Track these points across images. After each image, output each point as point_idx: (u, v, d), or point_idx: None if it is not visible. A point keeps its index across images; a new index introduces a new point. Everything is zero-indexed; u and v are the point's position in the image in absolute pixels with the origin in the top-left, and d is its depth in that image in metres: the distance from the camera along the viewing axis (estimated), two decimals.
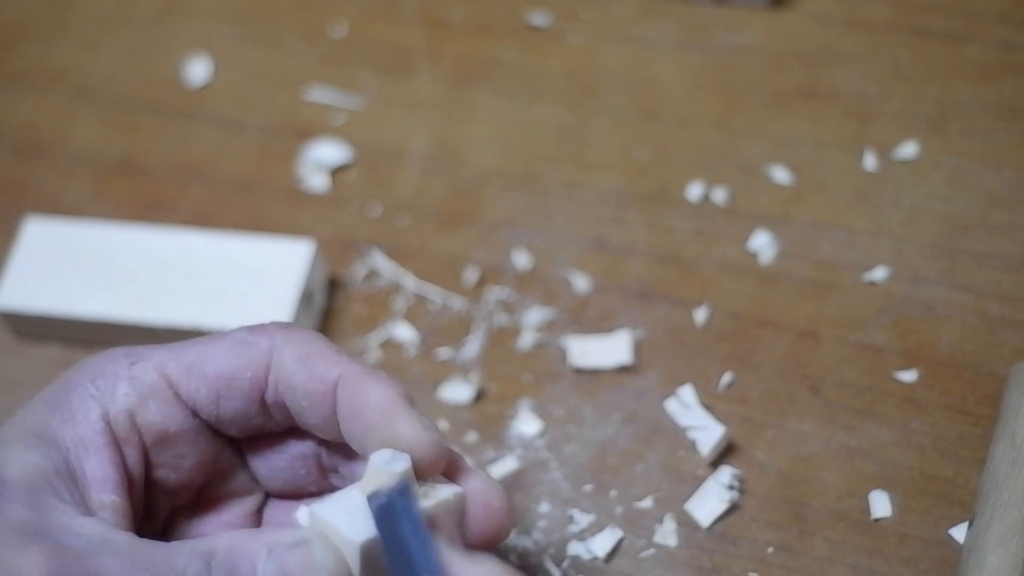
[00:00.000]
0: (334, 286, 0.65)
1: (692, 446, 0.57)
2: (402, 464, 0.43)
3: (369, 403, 0.45)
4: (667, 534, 0.55)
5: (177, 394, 0.47)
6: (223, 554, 0.44)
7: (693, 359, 0.60)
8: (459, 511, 0.44)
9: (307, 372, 0.46)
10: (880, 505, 0.54)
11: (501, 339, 0.62)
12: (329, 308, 0.64)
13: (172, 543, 0.44)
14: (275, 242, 0.63)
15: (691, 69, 0.69)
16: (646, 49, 0.70)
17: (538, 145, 0.68)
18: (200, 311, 0.61)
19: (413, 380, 0.61)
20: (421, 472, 0.44)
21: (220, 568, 0.44)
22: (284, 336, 0.47)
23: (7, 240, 0.68)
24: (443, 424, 0.59)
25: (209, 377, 0.47)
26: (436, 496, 0.44)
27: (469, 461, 0.58)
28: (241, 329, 0.48)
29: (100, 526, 0.44)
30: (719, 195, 0.64)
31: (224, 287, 0.62)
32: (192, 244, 0.63)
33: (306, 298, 0.61)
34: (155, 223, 0.67)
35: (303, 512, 0.44)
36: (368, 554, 0.42)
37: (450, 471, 0.46)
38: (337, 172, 0.69)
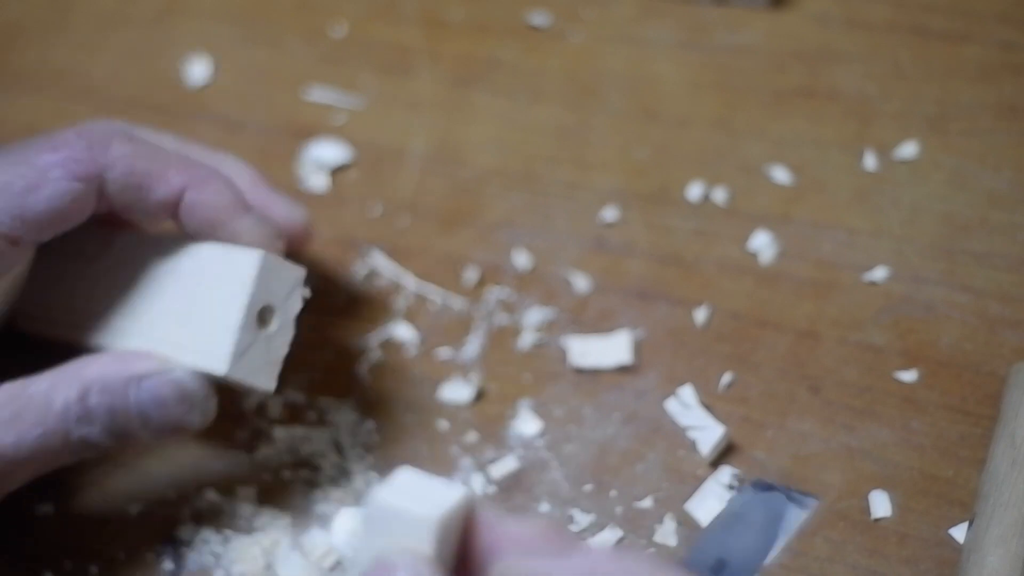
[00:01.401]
0: (328, 292, 0.65)
1: (692, 446, 0.57)
2: None
3: (211, 208, 0.53)
4: (667, 534, 0.55)
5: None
6: (96, 392, 0.50)
7: (693, 359, 0.60)
8: (465, 516, 0.43)
9: (143, 200, 0.52)
10: (880, 505, 0.54)
11: (501, 339, 0.62)
12: (321, 323, 0.64)
13: (47, 378, 0.51)
14: (222, 251, 0.54)
15: (691, 69, 0.69)
16: (646, 49, 0.70)
17: (538, 145, 0.68)
18: (134, 332, 0.55)
19: (413, 380, 0.61)
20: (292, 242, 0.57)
21: (98, 408, 0.50)
22: (107, 161, 0.52)
23: None
24: (443, 424, 0.59)
25: (43, 225, 0.52)
26: (444, 503, 0.42)
27: (468, 461, 0.58)
28: (53, 157, 0.52)
29: None
30: (719, 195, 0.64)
31: (163, 305, 0.54)
32: (134, 251, 0.56)
33: (261, 318, 0.53)
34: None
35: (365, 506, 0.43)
36: (444, 529, 0.42)
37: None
38: (337, 172, 0.69)
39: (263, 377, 0.53)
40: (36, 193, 0.51)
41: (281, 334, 0.53)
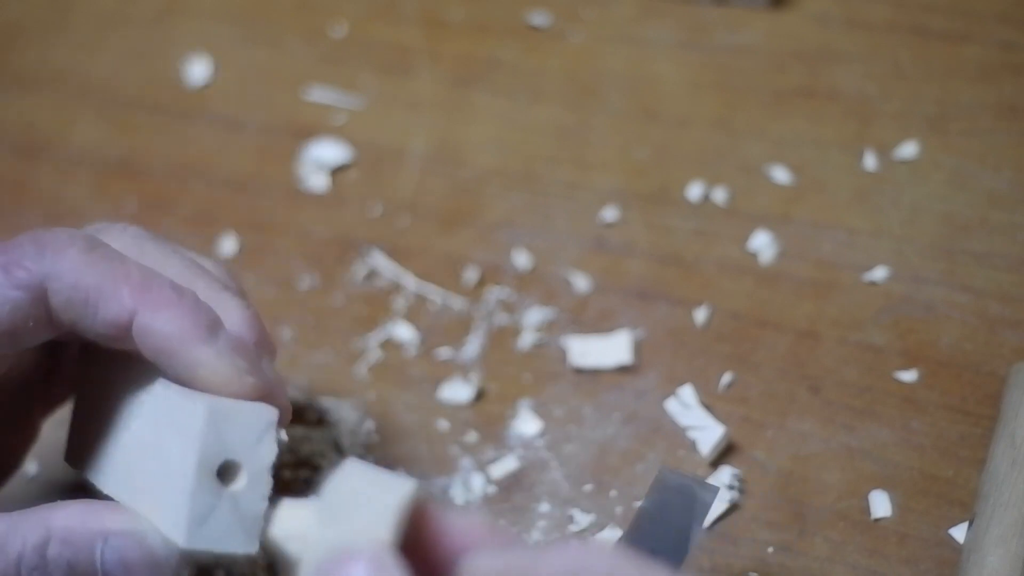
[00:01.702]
0: (327, 292, 0.65)
1: (692, 446, 0.57)
2: None
3: (162, 336, 0.44)
4: None
5: None
6: (58, 542, 0.43)
7: (693, 359, 0.60)
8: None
9: (91, 318, 0.45)
10: (880, 505, 0.54)
11: (501, 339, 0.62)
12: (321, 323, 0.64)
13: (8, 519, 0.44)
14: (171, 394, 0.45)
15: (691, 69, 0.69)
16: (646, 49, 0.70)
17: (538, 145, 0.68)
18: (103, 469, 0.48)
19: (413, 380, 0.61)
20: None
21: (58, 561, 0.43)
22: (52, 273, 0.45)
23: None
24: (443, 424, 0.59)
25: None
26: (400, 490, 0.41)
27: (468, 461, 0.58)
28: (11, 253, 0.45)
29: None
30: (719, 195, 0.64)
31: (128, 446, 0.47)
32: (119, 370, 0.49)
33: (221, 475, 0.44)
34: (155, 223, 0.67)
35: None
36: (402, 516, 0.40)
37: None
38: (337, 172, 0.69)
39: (237, 540, 0.44)
40: None
41: (253, 488, 0.44)
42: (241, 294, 0.49)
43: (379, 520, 0.40)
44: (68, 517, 0.44)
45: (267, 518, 0.44)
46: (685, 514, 0.43)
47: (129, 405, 0.47)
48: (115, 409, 0.47)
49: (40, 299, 0.45)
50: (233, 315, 0.47)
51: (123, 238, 0.48)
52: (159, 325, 0.44)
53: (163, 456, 0.44)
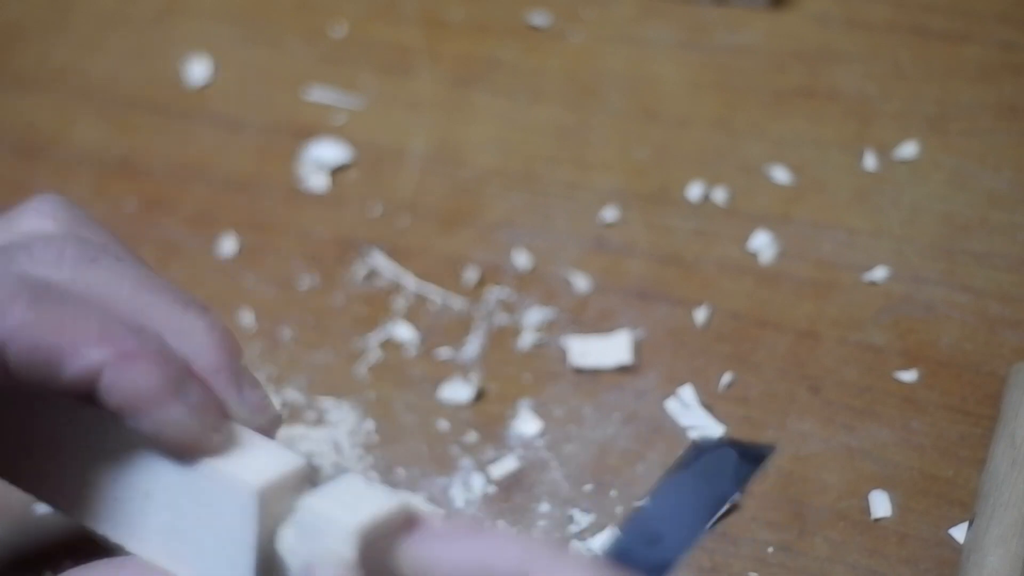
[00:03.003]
0: (327, 292, 0.65)
1: None
2: None
3: (130, 394, 0.40)
4: None
5: None
6: None
7: (693, 359, 0.60)
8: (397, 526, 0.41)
9: (52, 375, 0.41)
10: (880, 505, 0.54)
11: (501, 339, 0.62)
12: (320, 322, 0.64)
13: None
14: (214, 481, 0.42)
15: (691, 69, 0.69)
16: (646, 49, 0.70)
17: (538, 145, 0.68)
18: (142, 536, 0.44)
19: (413, 380, 0.61)
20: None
21: None
22: (11, 322, 0.41)
23: None
24: (443, 424, 0.59)
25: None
26: (372, 510, 0.41)
27: (469, 461, 0.58)
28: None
29: None
30: (719, 195, 0.64)
31: (172, 515, 0.44)
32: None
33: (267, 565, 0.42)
34: (155, 223, 0.67)
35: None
36: (366, 537, 0.40)
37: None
38: (337, 172, 0.69)
39: None
40: None
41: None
42: (196, 302, 0.45)
43: (342, 539, 0.40)
44: None
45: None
46: (713, 487, 0.42)
47: (160, 467, 0.43)
48: (88, 453, 0.44)
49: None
50: (199, 338, 0.43)
51: (58, 246, 0.43)
52: (125, 383, 0.41)
53: (215, 540, 0.42)
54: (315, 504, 0.42)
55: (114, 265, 0.44)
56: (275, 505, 0.41)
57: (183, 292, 0.45)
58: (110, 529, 0.45)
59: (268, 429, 0.44)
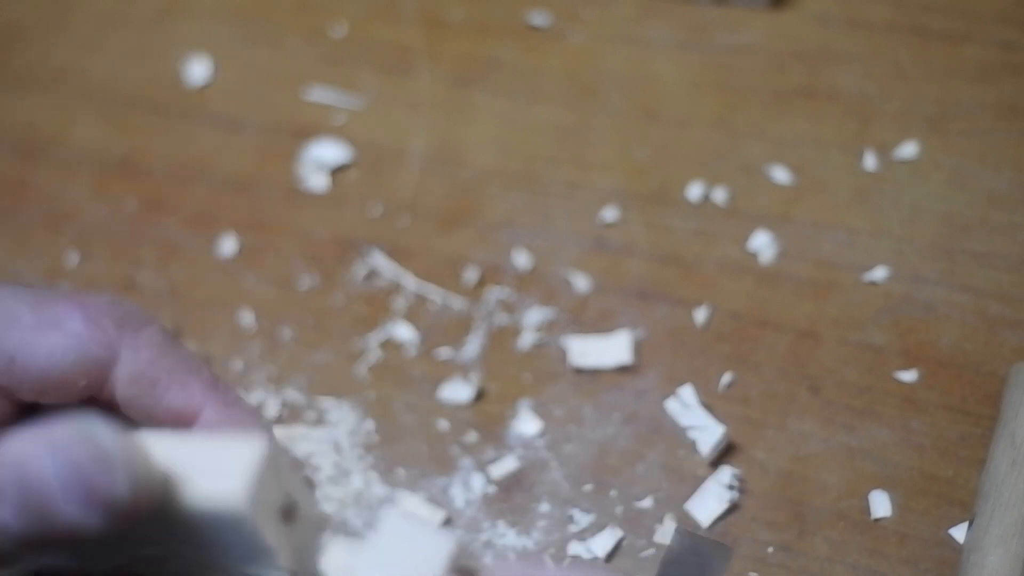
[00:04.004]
0: (327, 292, 0.65)
1: (692, 446, 0.57)
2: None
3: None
4: (667, 534, 0.55)
5: None
6: (8, 467, 0.40)
7: (693, 359, 0.60)
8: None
9: (154, 400, 0.43)
10: (880, 505, 0.54)
11: (501, 339, 0.62)
12: (320, 322, 0.64)
13: None
14: (213, 443, 0.42)
15: (691, 69, 0.69)
16: (646, 49, 0.70)
17: (538, 145, 0.68)
18: None
19: (413, 380, 0.61)
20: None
21: (9, 485, 0.39)
22: (129, 343, 0.43)
23: (8, 242, 0.68)
24: (443, 424, 0.59)
25: (32, 375, 0.43)
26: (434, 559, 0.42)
27: (468, 461, 0.58)
28: (70, 309, 0.43)
29: None
30: (719, 195, 0.64)
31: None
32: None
33: (283, 514, 0.42)
34: (155, 223, 0.67)
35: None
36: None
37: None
38: (337, 172, 0.69)
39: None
40: (43, 336, 0.43)
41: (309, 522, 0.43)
42: (249, 408, 0.46)
43: (426, 573, 0.41)
44: (15, 439, 0.41)
45: (317, 547, 0.43)
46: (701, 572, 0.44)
47: None
48: None
49: (108, 364, 0.43)
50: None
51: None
52: (226, 426, 0.43)
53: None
54: (387, 534, 0.42)
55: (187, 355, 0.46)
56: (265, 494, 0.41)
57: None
58: None
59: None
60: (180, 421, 0.44)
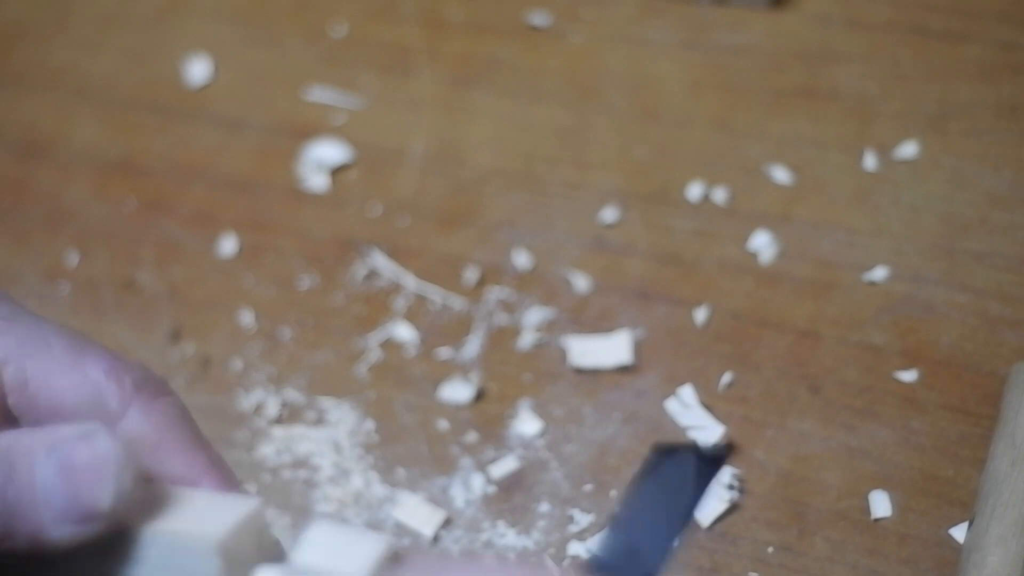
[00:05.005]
0: (327, 292, 0.65)
1: None
2: None
3: None
4: None
5: None
6: (1, 456, 0.39)
7: (693, 359, 0.60)
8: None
9: (155, 460, 0.43)
10: (880, 505, 0.54)
11: (501, 339, 0.62)
12: (321, 323, 0.64)
13: None
14: (207, 493, 0.43)
15: (691, 69, 0.69)
16: (646, 49, 0.70)
17: (538, 145, 0.68)
18: None
19: (413, 380, 0.61)
20: None
21: None
22: (140, 407, 0.43)
23: (8, 242, 0.68)
24: (443, 424, 0.59)
25: (42, 406, 0.43)
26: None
27: (468, 461, 0.58)
28: (98, 356, 0.43)
29: None
30: (719, 195, 0.64)
31: None
32: None
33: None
34: (155, 223, 0.67)
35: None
36: None
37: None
38: (337, 172, 0.69)
39: None
40: (63, 373, 0.42)
41: None
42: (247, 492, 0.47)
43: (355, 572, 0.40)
44: (11, 435, 0.41)
45: None
46: (679, 493, 0.42)
47: None
48: None
49: (114, 419, 0.43)
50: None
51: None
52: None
53: None
54: (311, 546, 0.40)
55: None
56: (239, 553, 0.40)
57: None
58: None
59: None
60: (173, 478, 0.43)
